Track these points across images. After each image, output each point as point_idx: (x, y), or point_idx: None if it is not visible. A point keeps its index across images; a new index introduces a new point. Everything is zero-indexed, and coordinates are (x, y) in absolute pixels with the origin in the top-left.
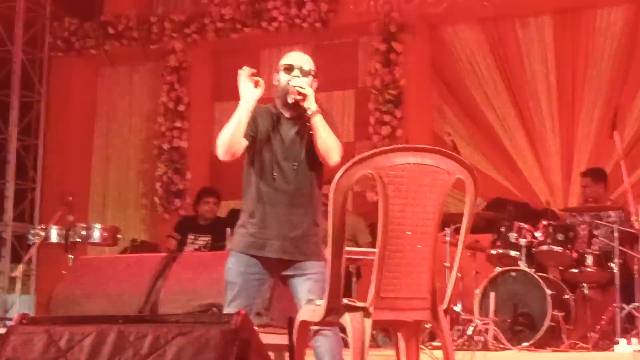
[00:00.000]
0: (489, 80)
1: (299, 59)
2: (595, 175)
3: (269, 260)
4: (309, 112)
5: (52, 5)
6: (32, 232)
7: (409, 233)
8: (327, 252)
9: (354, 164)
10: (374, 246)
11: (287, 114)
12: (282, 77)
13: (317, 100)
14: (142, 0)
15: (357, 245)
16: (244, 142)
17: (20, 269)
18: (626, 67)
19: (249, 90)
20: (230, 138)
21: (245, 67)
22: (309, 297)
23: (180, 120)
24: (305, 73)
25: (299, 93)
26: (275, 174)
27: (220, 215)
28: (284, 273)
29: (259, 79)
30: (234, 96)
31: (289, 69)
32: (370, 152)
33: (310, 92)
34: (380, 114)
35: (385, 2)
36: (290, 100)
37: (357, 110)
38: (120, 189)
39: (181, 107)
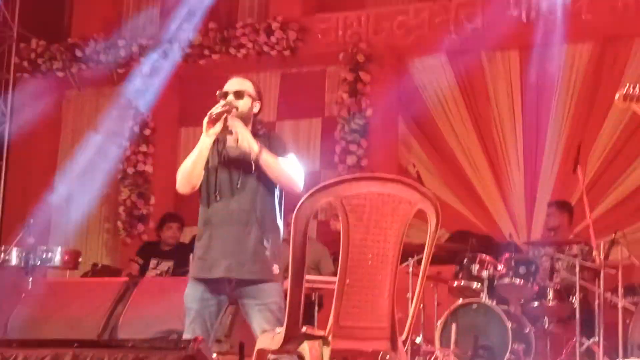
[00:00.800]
0: (455, 112)
1: (233, 83)
2: (561, 206)
3: (220, 281)
4: (252, 155)
5: (19, 26)
6: None
7: (370, 263)
8: (287, 280)
9: (316, 191)
10: (336, 274)
11: (230, 137)
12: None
13: (259, 125)
14: (110, 24)
15: (320, 274)
16: (203, 175)
17: None
18: (590, 102)
19: (211, 127)
20: (190, 171)
21: (212, 112)
22: (264, 327)
23: (145, 145)
24: (239, 95)
25: (220, 114)
26: (217, 194)
27: (184, 241)
28: (239, 297)
29: (224, 112)
30: (200, 122)
31: (224, 95)
32: (332, 180)
33: (242, 132)
34: (346, 143)
35: (354, 33)
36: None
37: (323, 139)
38: (82, 212)
39: (147, 132)
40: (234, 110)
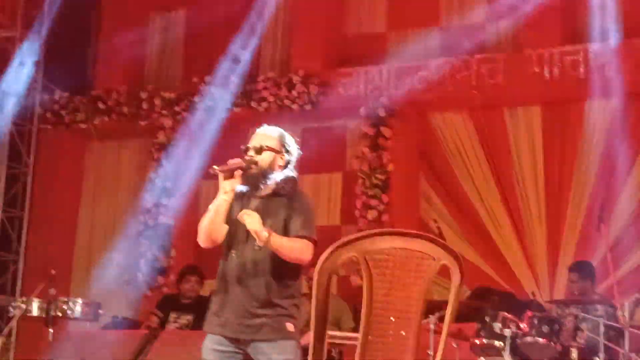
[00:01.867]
0: (477, 168)
1: (255, 138)
2: (583, 270)
3: (232, 338)
4: (259, 242)
5: (43, 77)
6: (13, 304)
7: (393, 319)
8: (310, 335)
9: (339, 246)
10: (357, 331)
11: (255, 192)
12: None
13: (283, 182)
14: (133, 76)
15: (340, 330)
16: (226, 228)
17: None
18: (613, 159)
19: (226, 182)
20: (209, 226)
21: (214, 167)
22: None
23: (166, 197)
24: (258, 151)
25: (231, 170)
26: (234, 252)
27: (204, 294)
28: (254, 354)
29: (236, 167)
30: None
31: (245, 150)
32: (355, 235)
33: (252, 227)
34: (367, 198)
35: (375, 87)
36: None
37: (344, 193)
38: (103, 264)
39: (168, 184)
40: (253, 166)
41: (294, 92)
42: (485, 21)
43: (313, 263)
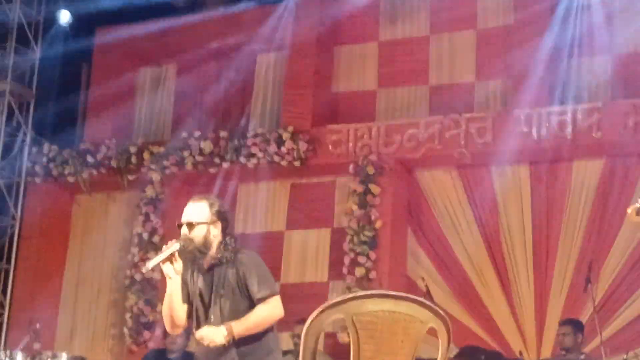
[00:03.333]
0: (464, 225)
1: (185, 213)
2: (575, 325)
3: None
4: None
5: (32, 130)
6: None
7: None
8: None
9: (327, 307)
10: None
11: (197, 268)
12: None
13: (225, 249)
14: (122, 130)
15: None
16: (185, 308)
17: None
18: (601, 220)
19: (168, 268)
20: (169, 312)
21: (145, 267)
22: None
23: (154, 252)
24: (190, 227)
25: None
26: (201, 317)
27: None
28: None
29: (174, 251)
30: None
31: (179, 227)
32: (343, 296)
33: (212, 340)
34: (355, 255)
35: (364, 145)
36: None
37: (332, 249)
38: (89, 317)
39: (156, 239)
40: (189, 243)
41: (283, 149)
42: (474, 81)
43: (301, 320)
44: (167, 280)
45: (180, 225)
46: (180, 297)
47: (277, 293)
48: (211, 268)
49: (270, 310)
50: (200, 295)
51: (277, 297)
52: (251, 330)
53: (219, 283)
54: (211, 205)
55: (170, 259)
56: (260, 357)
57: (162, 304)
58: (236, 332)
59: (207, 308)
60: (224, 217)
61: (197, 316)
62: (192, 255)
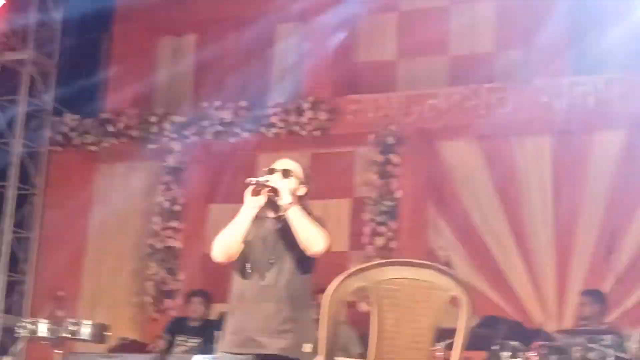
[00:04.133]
0: (485, 196)
1: (282, 163)
2: (594, 295)
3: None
4: (283, 206)
5: (53, 100)
6: (21, 325)
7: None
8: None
9: (349, 275)
10: (364, 357)
11: (271, 214)
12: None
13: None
14: (143, 100)
15: (348, 356)
16: (241, 246)
17: None
18: (623, 188)
19: (252, 199)
20: (229, 241)
21: (251, 180)
22: None
23: (174, 221)
24: (286, 174)
25: (268, 187)
26: (250, 270)
27: (212, 317)
28: None
29: (268, 186)
30: (229, 198)
31: (271, 171)
32: (365, 264)
33: (281, 186)
34: (375, 225)
35: (384, 115)
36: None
37: (353, 220)
38: (111, 286)
39: (176, 207)
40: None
41: (304, 118)
42: (494, 50)
43: (322, 289)
44: (244, 208)
45: (270, 170)
46: (244, 232)
47: (329, 245)
48: (282, 218)
49: (321, 234)
50: (265, 240)
51: (328, 241)
52: (302, 221)
53: (286, 234)
54: (304, 169)
55: (261, 186)
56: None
57: (182, 272)
58: (295, 210)
59: (265, 256)
60: (308, 184)
61: (253, 260)
62: (276, 202)
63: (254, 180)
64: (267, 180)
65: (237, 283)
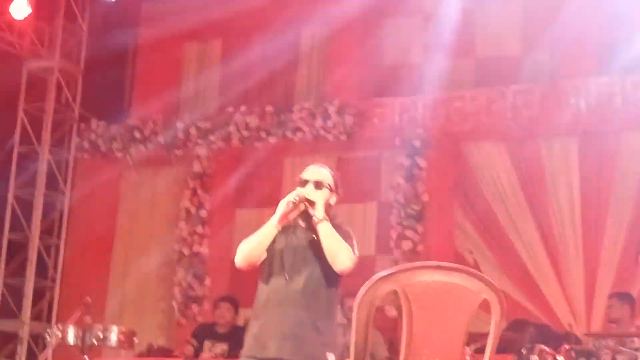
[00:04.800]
0: (512, 199)
1: (314, 173)
2: (623, 298)
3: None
4: (315, 219)
5: (80, 107)
6: (49, 332)
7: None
8: None
9: (379, 280)
10: None
11: (302, 224)
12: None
13: (330, 213)
14: (169, 106)
15: None
16: (264, 256)
17: None
18: None
19: (285, 210)
20: (252, 249)
21: (296, 197)
22: None
23: (201, 226)
24: (319, 186)
25: (306, 200)
26: (279, 276)
27: (239, 323)
28: None
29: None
30: (255, 204)
31: (304, 183)
32: (395, 268)
33: (317, 199)
34: (402, 229)
35: (410, 118)
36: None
37: (379, 223)
38: (138, 292)
39: (203, 213)
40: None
41: (329, 122)
42: (520, 52)
43: (350, 293)
44: (273, 223)
45: (304, 182)
46: (269, 242)
47: (356, 260)
48: (313, 229)
49: (349, 251)
50: (293, 247)
51: (355, 259)
52: (331, 237)
53: (315, 245)
54: (334, 176)
55: (296, 206)
56: (329, 323)
57: (209, 277)
58: (325, 226)
59: (296, 263)
60: (337, 191)
61: (282, 266)
62: (308, 214)
63: (296, 198)
64: (306, 199)
65: (262, 288)
